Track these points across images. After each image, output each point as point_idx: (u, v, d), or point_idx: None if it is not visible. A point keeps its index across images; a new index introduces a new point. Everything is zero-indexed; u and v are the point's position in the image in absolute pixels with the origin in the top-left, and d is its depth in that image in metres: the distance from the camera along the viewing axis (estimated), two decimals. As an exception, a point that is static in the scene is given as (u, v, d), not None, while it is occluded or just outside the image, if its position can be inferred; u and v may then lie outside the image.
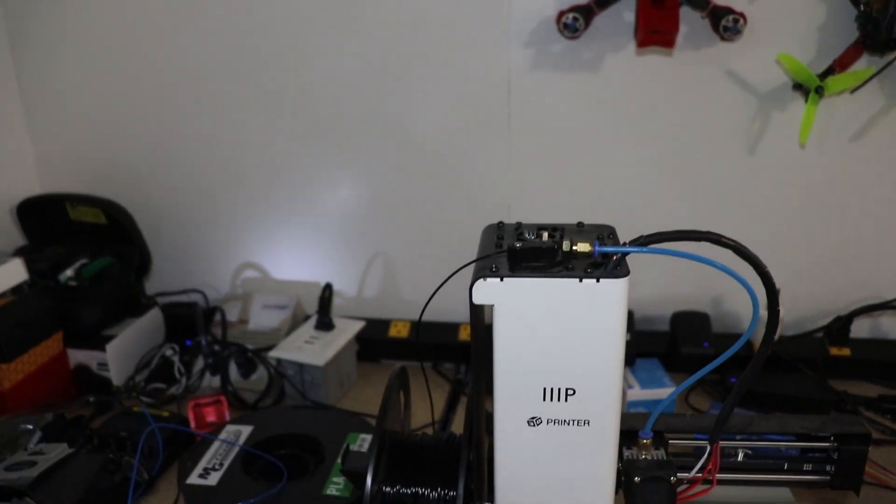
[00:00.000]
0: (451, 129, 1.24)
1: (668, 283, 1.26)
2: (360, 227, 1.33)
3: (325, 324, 1.22)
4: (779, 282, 1.18)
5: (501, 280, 0.59)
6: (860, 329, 1.26)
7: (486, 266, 0.61)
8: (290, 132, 1.29)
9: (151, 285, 1.42)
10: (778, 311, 0.64)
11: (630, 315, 1.24)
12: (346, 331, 1.21)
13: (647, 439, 0.71)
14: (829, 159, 1.18)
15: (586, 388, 0.62)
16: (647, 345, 1.21)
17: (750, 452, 0.77)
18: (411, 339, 1.27)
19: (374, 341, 1.28)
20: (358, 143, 1.27)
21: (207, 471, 0.95)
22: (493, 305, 0.60)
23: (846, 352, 1.22)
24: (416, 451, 0.75)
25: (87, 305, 1.24)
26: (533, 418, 0.63)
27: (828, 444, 0.75)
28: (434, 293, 0.67)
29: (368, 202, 1.31)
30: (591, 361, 0.61)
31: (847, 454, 0.74)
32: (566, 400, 0.62)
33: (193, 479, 0.94)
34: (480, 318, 0.63)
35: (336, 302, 1.35)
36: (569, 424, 0.63)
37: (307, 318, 1.29)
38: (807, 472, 0.76)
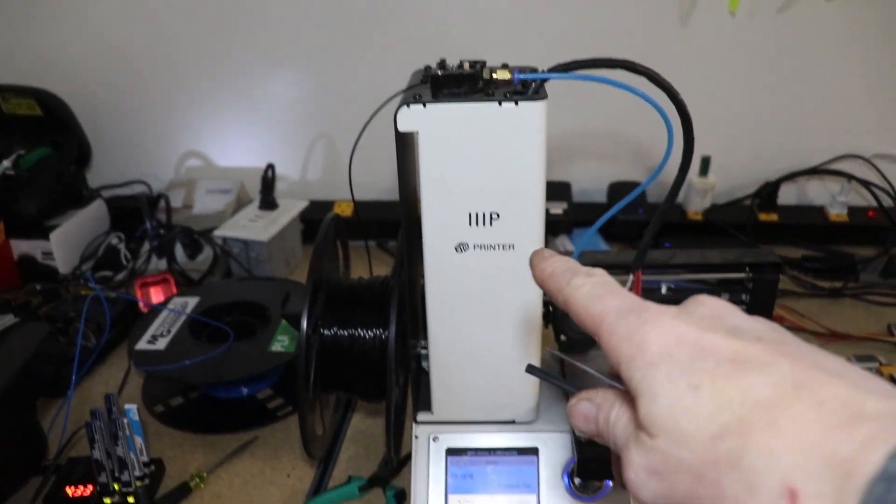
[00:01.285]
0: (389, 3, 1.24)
1: (605, 156, 1.29)
2: (302, 111, 1.33)
3: (268, 203, 1.23)
4: (711, 151, 1.23)
5: (424, 106, 0.61)
6: (788, 196, 1.31)
7: (410, 95, 0.62)
8: (229, 17, 1.27)
9: (94, 178, 1.41)
10: (692, 138, 0.67)
11: (567, 187, 1.27)
12: (290, 210, 1.23)
13: (572, 270, 0.74)
14: (758, 28, 1.21)
15: (510, 212, 0.65)
16: (585, 214, 1.25)
17: (672, 286, 0.81)
18: (355, 217, 1.29)
19: (318, 221, 1.28)
20: (297, 24, 1.26)
21: (155, 337, 0.97)
22: (417, 133, 0.62)
23: (774, 217, 1.27)
24: (353, 295, 0.78)
25: (28, 195, 1.23)
26: (460, 244, 0.66)
27: (743, 275, 0.79)
28: (362, 130, 0.68)
29: (309, 85, 1.31)
30: (514, 185, 0.63)
31: (760, 283, 0.79)
32: (491, 224, 0.65)
33: (142, 345, 0.96)
34: (407, 151, 0.65)
35: (280, 186, 1.36)
36: (495, 249, 0.66)
37: (252, 202, 1.30)
38: (724, 302, 0.80)
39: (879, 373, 0.95)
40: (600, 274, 0.36)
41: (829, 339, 1.04)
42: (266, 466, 0.87)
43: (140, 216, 1.25)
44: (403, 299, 0.72)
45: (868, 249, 1.23)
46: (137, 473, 0.84)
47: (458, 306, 0.69)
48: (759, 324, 0.33)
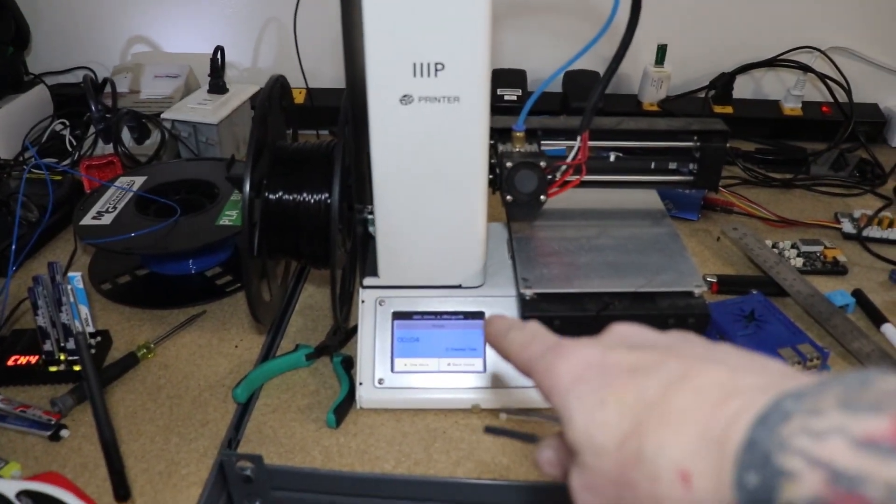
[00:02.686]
0: None
1: (560, 46, 1.27)
2: (252, -7, 1.29)
3: (218, 87, 1.20)
4: (667, 40, 1.22)
5: (367, -52, 0.59)
6: (743, 89, 1.31)
7: (352, -64, 0.60)
8: None
9: (36, 64, 1.36)
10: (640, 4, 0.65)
11: (522, 74, 1.26)
12: (241, 94, 1.20)
13: (520, 132, 0.73)
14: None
15: (454, 63, 0.63)
16: (540, 104, 1.23)
17: (621, 155, 0.81)
18: (308, 104, 1.26)
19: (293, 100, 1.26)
20: None
21: (101, 213, 0.95)
22: (360, -21, 0.60)
23: (729, 109, 1.27)
24: (298, 158, 0.76)
25: (-38, 76, 1.18)
26: (405, 96, 0.65)
27: (691, 144, 0.79)
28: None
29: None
30: (458, 34, 0.62)
31: (708, 151, 0.79)
32: (436, 75, 0.64)
33: (87, 220, 0.94)
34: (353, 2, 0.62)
35: (230, 73, 1.33)
36: (439, 101, 0.65)
37: (201, 87, 1.26)
38: (672, 172, 0.81)
39: (824, 255, 0.97)
40: (532, 325, 0.40)
41: (777, 224, 1.06)
42: (214, 338, 0.87)
43: (85, 102, 1.21)
44: (347, 161, 0.71)
45: (821, 144, 1.23)
46: (83, 343, 0.83)
47: (403, 163, 0.68)
48: (662, 337, 0.36)
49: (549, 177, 0.75)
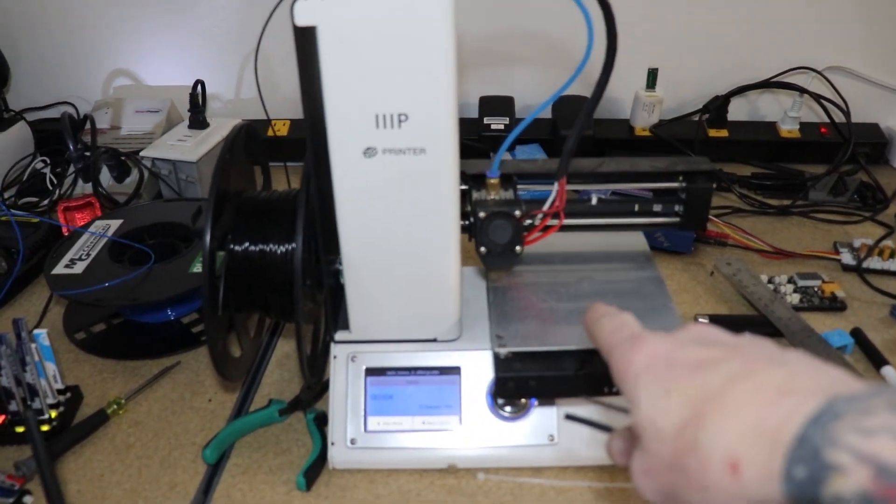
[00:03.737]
0: None
1: (549, 72, 1.24)
2: (234, 24, 1.26)
3: (198, 122, 1.17)
4: (658, 64, 1.19)
5: (322, -4, 0.56)
6: (739, 111, 1.28)
7: (307, -15, 0.57)
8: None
9: (17, 100, 1.34)
10: (615, 33, 0.62)
11: (510, 102, 1.22)
12: (222, 129, 1.17)
13: (494, 179, 0.70)
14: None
15: (418, 113, 0.60)
16: (529, 131, 1.19)
17: (603, 197, 0.77)
18: (291, 137, 1.24)
19: (264, 143, 1.23)
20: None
21: (74, 261, 0.93)
22: (317, 28, 0.57)
23: (724, 133, 1.23)
24: (265, 208, 0.73)
25: (-61, 118, 1.16)
26: (368, 149, 0.62)
27: (677, 185, 0.76)
28: (263, 28, 0.63)
29: (240, -2, 1.24)
30: (421, 83, 0.59)
31: (694, 192, 0.75)
32: (399, 126, 0.61)
33: (59, 269, 0.91)
34: (310, 51, 0.59)
35: (214, 105, 1.30)
36: (404, 153, 0.62)
37: (183, 122, 1.24)
38: (657, 214, 0.77)
39: (822, 291, 0.93)
40: (625, 315, 0.44)
41: (774, 256, 1.02)
42: (187, 391, 0.84)
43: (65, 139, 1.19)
44: (312, 210, 0.67)
45: (820, 167, 1.19)
46: (51, 401, 0.80)
47: (369, 216, 0.65)
48: (734, 338, 0.38)
49: (529, 221, 0.72)
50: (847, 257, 1.00)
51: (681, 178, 0.76)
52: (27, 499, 0.72)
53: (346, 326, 0.73)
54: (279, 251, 0.71)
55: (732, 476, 0.30)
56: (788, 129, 1.24)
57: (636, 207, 0.77)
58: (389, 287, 0.69)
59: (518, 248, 0.69)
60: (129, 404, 0.83)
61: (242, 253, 0.71)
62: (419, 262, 0.68)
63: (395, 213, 0.65)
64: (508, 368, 0.65)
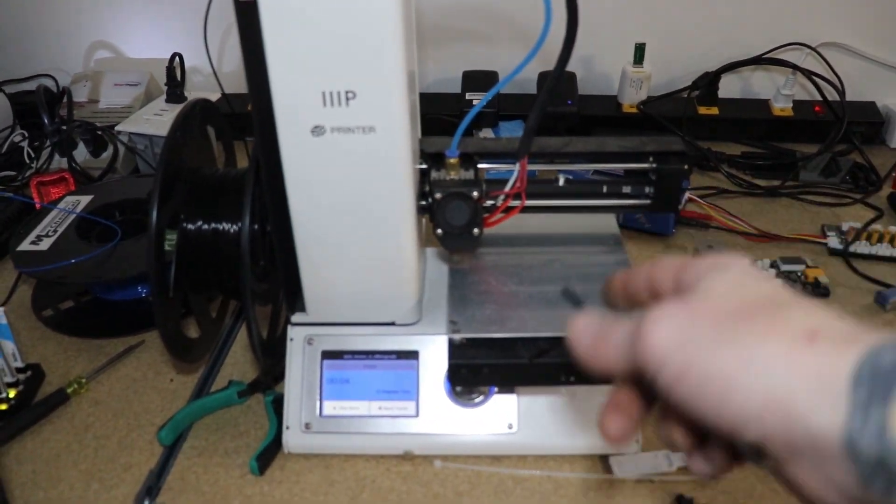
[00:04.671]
0: None
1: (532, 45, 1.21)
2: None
3: (176, 96, 1.15)
4: (646, 38, 1.15)
5: (260, -34, 0.54)
6: (730, 88, 1.24)
7: (245, -47, 0.55)
8: None
9: (-4, 71, 1.32)
10: (576, 6, 0.59)
11: (494, 76, 1.19)
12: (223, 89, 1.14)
13: (453, 158, 0.68)
14: None
15: (366, 91, 0.58)
16: (512, 106, 1.17)
17: (570, 178, 0.75)
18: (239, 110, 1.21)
19: (235, 116, 1.21)
20: None
21: (40, 238, 0.91)
22: (257, 2, 0.55)
23: (714, 110, 1.20)
24: (219, 186, 0.71)
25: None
26: (316, 127, 0.60)
27: (647, 165, 0.73)
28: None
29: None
30: (368, 59, 0.56)
31: (665, 173, 0.72)
32: (347, 104, 0.58)
33: (25, 245, 0.90)
34: (251, 22, 0.57)
35: (195, 79, 1.28)
36: (353, 132, 0.59)
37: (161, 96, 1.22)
38: (627, 196, 0.75)
39: (805, 276, 0.91)
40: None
41: (758, 239, 0.99)
42: (150, 371, 0.83)
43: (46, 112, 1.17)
44: (262, 187, 0.65)
45: (814, 147, 1.16)
46: (9, 379, 0.79)
47: (321, 196, 0.63)
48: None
49: (491, 202, 0.69)
50: (834, 241, 0.97)
51: (651, 158, 0.73)
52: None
53: (303, 308, 0.71)
54: (232, 230, 0.69)
55: (807, 341, 0.29)
56: (781, 107, 1.20)
57: (604, 189, 0.74)
58: (344, 269, 0.67)
59: (476, 230, 0.67)
60: (92, 383, 0.81)
61: (195, 232, 0.69)
62: (374, 244, 0.66)
63: (347, 193, 0.63)
64: (462, 355, 0.63)
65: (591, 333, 0.38)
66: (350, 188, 0.62)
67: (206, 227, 0.69)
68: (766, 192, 1.09)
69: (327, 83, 0.58)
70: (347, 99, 0.58)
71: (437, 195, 0.66)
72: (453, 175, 0.68)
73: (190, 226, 0.69)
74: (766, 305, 0.32)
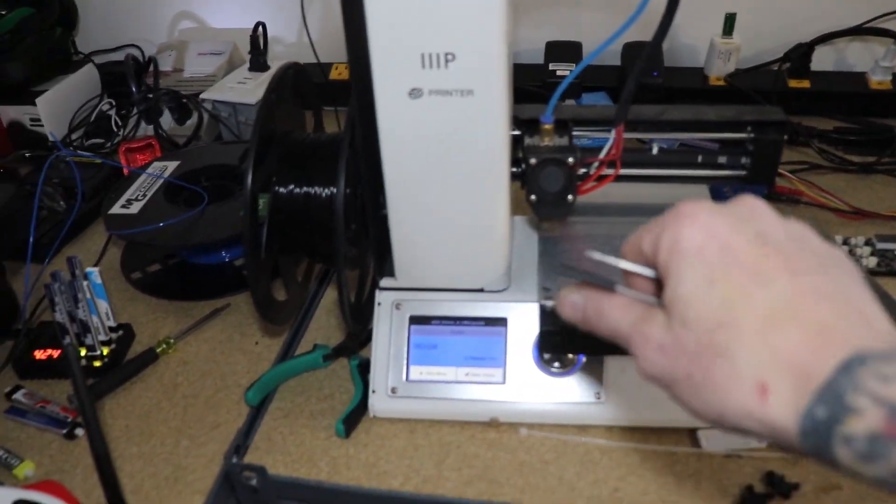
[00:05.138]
0: None
1: (620, 17, 1.18)
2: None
3: (259, 64, 1.16)
4: (736, 8, 1.12)
5: (365, -74, 0.53)
6: (824, 60, 1.19)
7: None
8: None
9: (85, 43, 1.35)
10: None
11: (578, 47, 1.17)
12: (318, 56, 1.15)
13: (548, 125, 0.67)
14: None
15: (466, 53, 0.57)
16: (595, 78, 1.15)
17: (664, 146, 0.73)
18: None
19: (314, 84, 1.22)
20: None
21: (130, 202, 0.93)
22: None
23: (806, 84, 1.16)
24: (312, 150, 0.72)
25: (11, 59, 1.18)
26: (414, 90, 0.59)
27: (744, 135, 0.71)
28: None
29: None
30: (468, 21, 0.56)
31: (762, 144, 0.70)
32: (446, 66, 0.58)
33: (116, 209, 0.92)
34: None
35: (276, 49, 1.29)
36: (451, 95, 0.59)
37: (244, 64, 1.23)
38: (722, 167, 0.72)
39: (901, 252, 0.87)
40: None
41: (852, 217, 0.95)
42: (236, 333, 0.84)
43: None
44: (358, 154, 0.65)
45: (912, 122, 1.11)
46: (103, 338, 0.81)
47: (415, 161, 0.63)
48: (786, 230, 0.36)
49: (584, 170, 0.68)
50: (934, 219, 0.93)
51: (749, 128, 0.70)
52: (79, 431, 0.74)
53: (392, 273, 0.71)
54: (324, 194, 0.69)
55: (759, 398, 0.32)
56: (879, 80, 1.15)
57: (699, 159, 0.72)
58: (435, 234, 0.67)
59: (570, 197, 0.66)
60: (179, 344, 0.83)
61: (287, 195, 0.70)
62: (466, 210, 0.65)
63: (442, 157, 0.62)
64: (554, 321, 0.62)
65: (580, 311, 0.42)
66: (445, 152, 0.62)
67: (298, 190, 0.69)
68: (861, 169, 1.05)
69: (426, 44, 0.57)
70: (447, 61, 0.57)
71: (532, 161, 0.65)
72: (547, 141, 0.67)
73: (282, 189, 0.70)
74: (719, 351, 0.33)
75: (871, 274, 0.83)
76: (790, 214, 0.38)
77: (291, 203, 0.70)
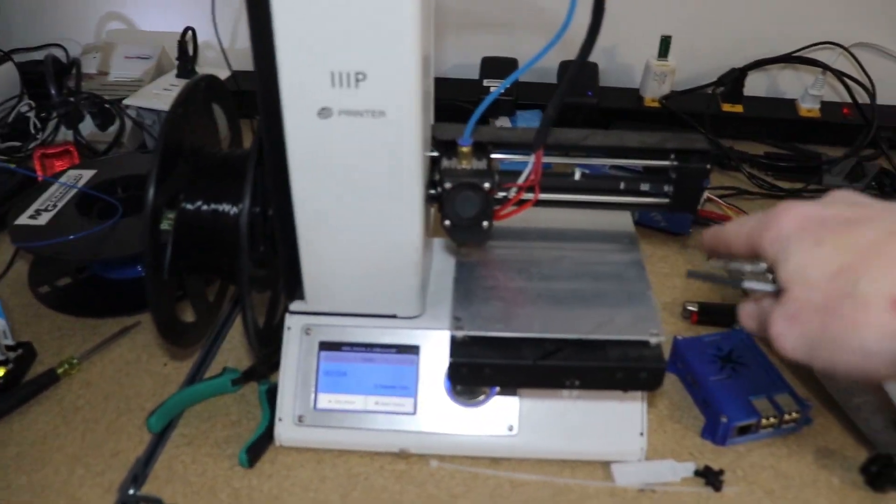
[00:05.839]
0: None
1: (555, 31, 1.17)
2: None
3: (187, 71, 1.13)
4: (671, 31, 1.12)
5: (271, -62, 0.51)
6: (756, 86, 1.20)
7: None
8: None
9: (6, 40, 1.29)
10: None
11: (513, 63, 1.16)
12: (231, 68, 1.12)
13: (466, 147, 0.65)
14: None
15: (377, 73, 0.55)
16: (530, 95, 1.14)
17: (587, 172, 0.72)
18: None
19: (244, 94, 1.18)
20: None
21: (39, 212, 0.89)
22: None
23: (739, 108, 1.16)
24: (224, 166, 0.69)
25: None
26: (323, 109, 0.57)
27: (668, 163, 0.70)
28: None
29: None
30: (381, 39, 0.53)
31: (686, 172, 0.69)
32: (357, 86, 0.55)
33: (22, 220, 0.87)
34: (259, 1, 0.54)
35: (208, 55, 1.25)
36: (362, 115, 0.57)
37: (172, 70, 1.19)
38: (645, 194, 0.71)
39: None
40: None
41: (779, 242, 0.96)
42: (144, 353, 0.81)
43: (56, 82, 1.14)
44: (262, 169, 0.62)
45: (840, 150, 1.12)
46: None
47: (324, 181, 0.60)
48: (875, 199, 0.42)
49: (503, 194, 0.66)
50: (857, 249, 0.94)
51: (672, 156, 0.70)
52: (-36, 457, 0.69)
53: (303, 297, 0.68)
54: (232, 212, 0.66)
55: (892, 313, 0.35)
56: (808, 107, 1.16)
57: (622, 186, 0.71)
58: (346, 258, 0.64)
59: (486, 223, 0.64)
60: (84, 364, 0.79)
61: (194, 212, 0.67)
62: (379, 233, 0.63)
63: (353, 179, 0.60)
64: (464, 353, 0.60)
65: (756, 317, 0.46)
66: (356, 174, 0.60)
67: (205, 207, 0.67)
68: (788, 195, 1.05)
69: (336, 63, 0.55)
70: (357, 80, 0.55)
71: (447, 185, 0.63)
72: (465, 164, 0.65)
73: (189, 206, 0.67)
74: (844, 292, 0.37)
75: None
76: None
77: (199, 220, 0.67)
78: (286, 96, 0.57)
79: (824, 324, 0.38)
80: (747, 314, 0.47)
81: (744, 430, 0.69)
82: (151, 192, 0.61)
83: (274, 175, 0.61)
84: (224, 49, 1.03)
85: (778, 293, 0.41)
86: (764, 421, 0.68)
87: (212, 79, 0.72)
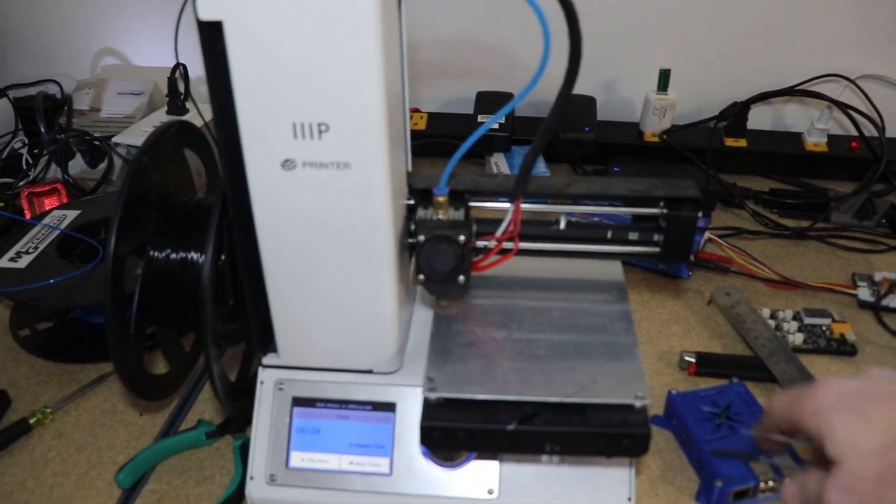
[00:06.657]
0: None
1: (554, 69, 1.15)
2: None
3: (177, 108, 1.11)
4: (672, 64, 1.09)
5: (226, -15, 0.48)
6: (760, 119, 1.17)
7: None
8: None
9: (3, 76, 1.29)
10: (579, 36, 0.54)
11: (508, 98, 1.14)
12: (204, 116, 1.11)
13: (441, 196, 0.62)
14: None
15: (341, 124, 0.52)
16: (527, 130, 1.11)
17: (573, 220, 0.69)
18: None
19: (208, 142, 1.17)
20: None
21: (20, 254, 0.87)
22: (223, 24, 0.50)
23: (742, 143, 1.13)
24: (196, 214, 0.67)
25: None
26: (286, 161, 0.54)
27: (657, 211, 0.67)
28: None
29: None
30: (343, 90, 0.51)
31: (676, 220, 0.66)
32: (320, 137, 0.53)
33: (3, 262, 0.86)
34: (217, 46, 0.52)
35: (202, 90, 1.24)
36: (327, 167, 0.54)
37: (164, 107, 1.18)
38: (634, 243, 0.68)
39: (830, 331, 0.83)
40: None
41: (781, 287, 0.92)
42: (120, 403, 0.79)
43: (50, 118, 1.14)
44: (226, 218, 0.60)
45: (848, 185, 1.09)
46: (-28, 406, 0.75)
47: (291, 234, 0.58)
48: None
49: (483, 244, 0.64)
50: (864, 293, 0.90)
51: (661, 203, 0.66)
52: (-71, 515, 0.67)
53: (276, 350, 0.66)
54: (201, 261, 0.64)
55: None
56: (815, 141, 1.13)
57: (609, 234, 0.68)
58: (318, 312, 0.62)
59: (462, 277, 0.61)
60: (59, 413, 0.77)
61: (162, 262, 0.65)
62: (350, 287, 0.60)
63: (321, 232, 0.57)
64: (436, 416, 0.57)
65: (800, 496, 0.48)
66: (324, 226, 0.57)
67: (174, 256, 0.64)
68: (794, 234, 1.02)
69: (298, 113, 0.52)
70: (321, 132, 0.53)
71: (421, 237, 0.60)
72: (441, 215, 0.62)
73: (157, 254, 0.64)
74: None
75: (795, 352, 0.79)
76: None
77: (166, 270, 0.65)
78: (247, 147, 0.54)
79: (881, 494, 0.40)
80: (791, 494, 0.48)
81: (740, 495, 0.65)
82: (112, 242, 0.59)
83: (239, 226, 0.59)
84: (188, 88, 1.01)
85: (825, 465, 0.43)
86: (762, 485, 0.64)
87: (182, 124, 0.70)
